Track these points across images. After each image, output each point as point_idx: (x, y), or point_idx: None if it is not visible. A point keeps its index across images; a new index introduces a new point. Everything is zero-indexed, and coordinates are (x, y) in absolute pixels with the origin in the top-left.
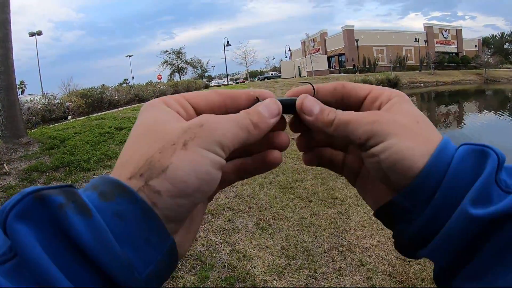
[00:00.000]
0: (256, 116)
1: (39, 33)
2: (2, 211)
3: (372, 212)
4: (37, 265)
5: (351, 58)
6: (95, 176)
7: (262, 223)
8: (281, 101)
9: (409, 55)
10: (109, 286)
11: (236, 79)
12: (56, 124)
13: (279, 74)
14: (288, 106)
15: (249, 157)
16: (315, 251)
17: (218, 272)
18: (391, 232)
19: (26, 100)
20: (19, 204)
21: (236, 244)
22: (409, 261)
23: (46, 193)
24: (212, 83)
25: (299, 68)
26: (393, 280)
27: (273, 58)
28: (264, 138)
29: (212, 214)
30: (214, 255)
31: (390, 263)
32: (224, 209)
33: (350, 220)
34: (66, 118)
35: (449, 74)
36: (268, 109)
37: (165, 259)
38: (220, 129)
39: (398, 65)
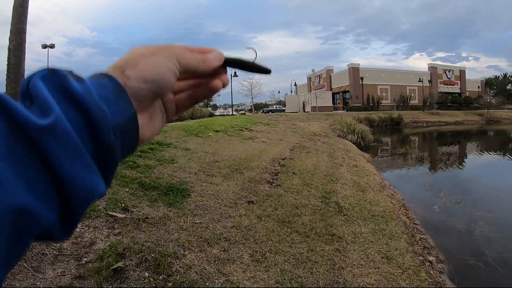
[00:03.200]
0: (207, 58)
1: (52, 46)
2: (26, 78)
3: (370, 250)
4: (43, 101)
5: (356, 95)
6: None
7: (257, 256)
8: (231, 58)
9: (412, 94)
10: (88, 122)
11: (240, 110)
12: None
13: (283, 108)
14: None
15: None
16: (310, 287)
17: None
18: (389, 271)
19: None
20: (38, 72)
21: (230, 274)
22: None
23: (57, 68)
24: (217, 112)
25: (303, 103)
26: None
27: (279, 92)
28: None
29: (208, 243)
30: (207, 284)
31: None
32: (220, 238)
33: (347, 257)
34: None
35: (451, 114)
36: (215, 57)
37: (128, 120)
38: (181, 52)
39: (401, 104)
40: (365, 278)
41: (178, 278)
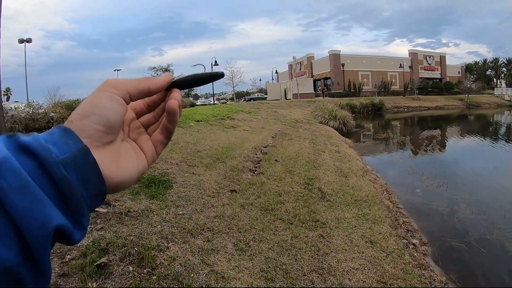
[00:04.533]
0: (152, 78)
1: (29, 40)
2: None
3: (353, 235)
4: None
5: (337, 82)
6: None
7: (241, 245)
8: (180, 79)
9: (393, 80)
10: (39, 164)
11: (222, 99)
12: None
13: (265, 96)
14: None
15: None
16: (295, 274)
17: None
18: (373, 255)
19: (11, 107)
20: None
21: (214, 265)
22: (390, 285)
23: (15, 133)
24: (198, 102)
25: (285, 91)
26: None
27: (260, 80)
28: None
29: (191, 234)
30: (191, 275)
31: (371, 287)
32: (203, 229)
33: (331, 243)
34: (49, 128)
35: (432, 99)
36: (161, 76)
37: (78, 154)
38: (115, 80)
39: (382, 90)
40: (349, 262)
41: (162, 271)
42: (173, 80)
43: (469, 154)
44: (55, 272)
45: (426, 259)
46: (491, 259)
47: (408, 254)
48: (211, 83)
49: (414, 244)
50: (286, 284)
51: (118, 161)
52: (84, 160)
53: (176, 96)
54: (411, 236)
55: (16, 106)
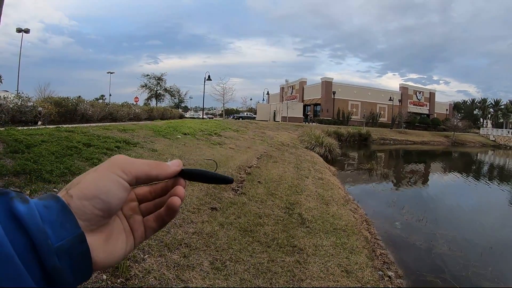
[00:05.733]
0: (163, 163)
1: (27, 31)
2: None
3: (330, 263)
4: None
5: (326, 109)
6: (55, 189)
7: (218, 263)
8: (190, 169)
9: (382, 112)
10: (31, 245)
11: (210, 114)
12: (25, 128)
13: (254, 116)
14: (196, 175)
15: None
16: None
17: None
18: (348, 285)
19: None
20: None
21: (189, 281)
22: None
23: (5, 190)
24: (187, 115)
25: (274, 112)
26: None
27: (251, 99)
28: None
29: (168, 248)
30: None
31: None
32: (181, 244)
33: (307, 269)
34: (36, 123)
35: (418, 134)
36: (172, 163)
37: (74, 242)
38: (125, 160)
39: (370, 120)
40: None
41: (136, 283)
42: (182, 169)
43: (450, 191)
44: None
45: None
46: None
47: (383, 286)
48: (205, 94)
49: (389, 277)
50: None
51: (108, 244)
52: (79, 249)
53: (180, 193)
54: (387, 268)
55: (6, 95)
